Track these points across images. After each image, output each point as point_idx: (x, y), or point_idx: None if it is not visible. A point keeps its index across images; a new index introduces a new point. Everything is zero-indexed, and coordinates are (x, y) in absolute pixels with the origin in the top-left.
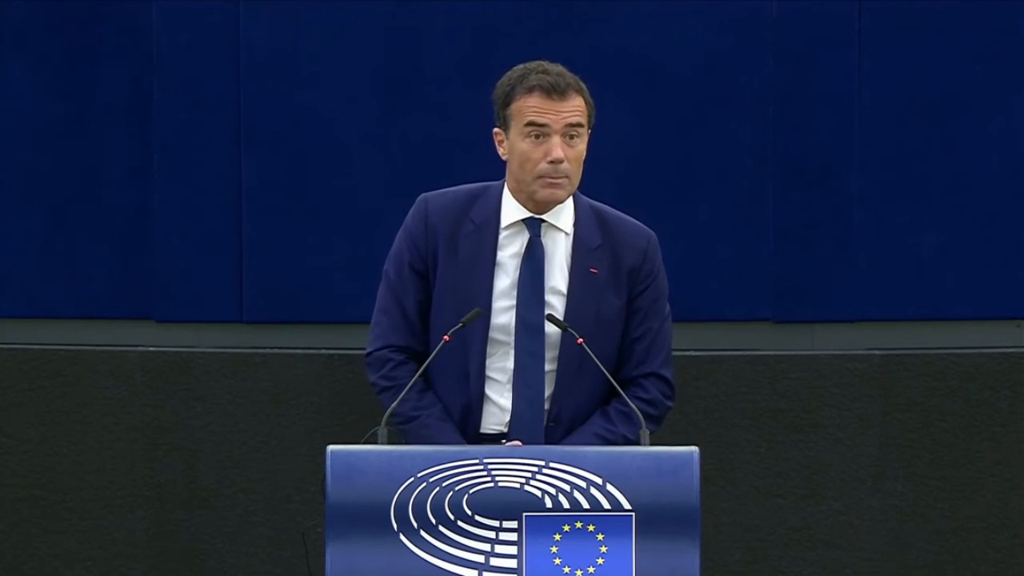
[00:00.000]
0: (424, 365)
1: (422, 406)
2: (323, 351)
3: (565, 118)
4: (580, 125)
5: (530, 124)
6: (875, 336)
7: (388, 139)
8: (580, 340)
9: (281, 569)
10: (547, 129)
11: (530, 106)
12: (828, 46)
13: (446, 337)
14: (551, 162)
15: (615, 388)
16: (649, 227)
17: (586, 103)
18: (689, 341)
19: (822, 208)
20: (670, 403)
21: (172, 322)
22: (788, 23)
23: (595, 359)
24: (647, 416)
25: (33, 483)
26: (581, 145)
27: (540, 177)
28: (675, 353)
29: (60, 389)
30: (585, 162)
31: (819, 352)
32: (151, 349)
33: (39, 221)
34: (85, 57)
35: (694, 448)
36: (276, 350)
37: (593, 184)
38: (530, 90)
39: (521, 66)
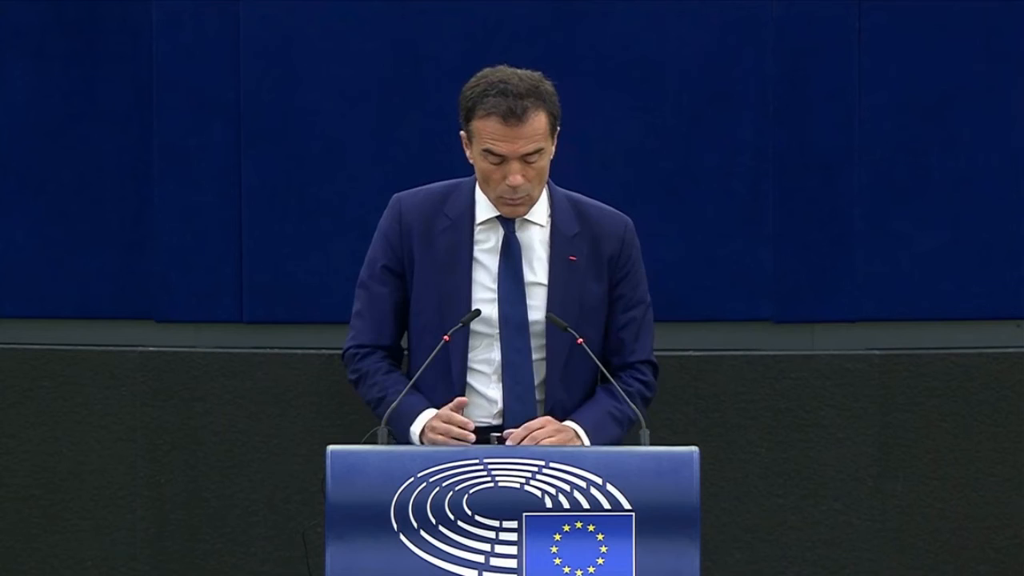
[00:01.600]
0: (424, 366)
1: (386, 385)
2: (323, 351)
3: (521, 147)
4: (539, 150)
5: (487, 151)
6: (874, 336)
7: (388, 139)
8: (580, 340)
9: (281, 569)
10: (504, 158)
11: (488, 132)
12: (828, 46)
13: (446, 337)
14: (509, 186)
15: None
16: (649, 226)
17: (548, 114)
18: (689, 341)
19: (822, 208)
20: (657, 386)
21: (172, 322)
22: (788, 23)
23: (595, 359)
24: (644, 399)
25: (33, 483)
26: (542, 161)
27: (500, 196)
28: (675, 353)
29: (60, 389)
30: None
31: (819, 352)
32: (151, 349)
33: (39, 221)
34: (85, 57)
35: (694, 448)
36: (276, 350)
37: (593, 184)
38: (487, 115)
39: (484, 76)
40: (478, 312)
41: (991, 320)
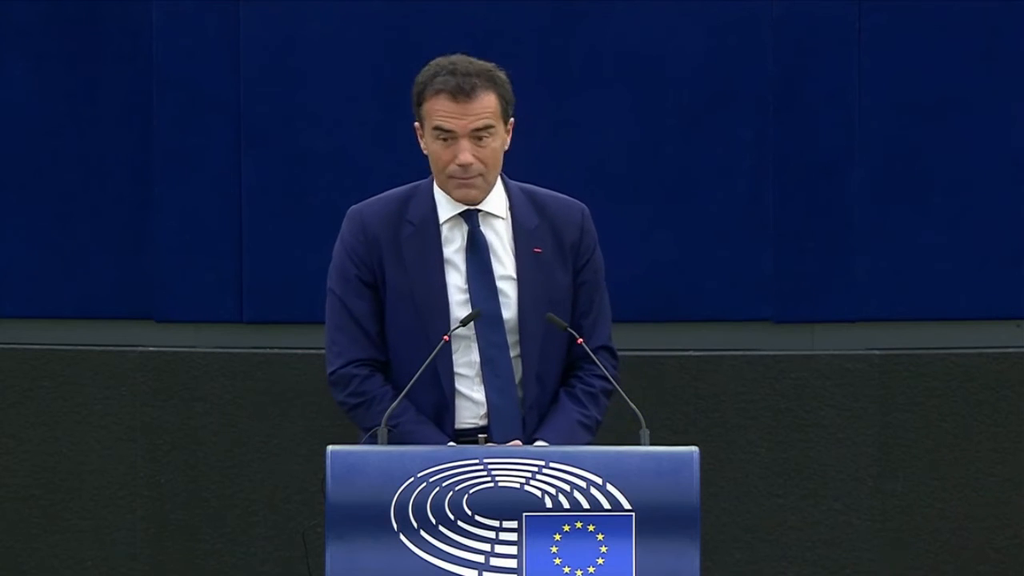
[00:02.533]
0: (424, 366)
1: (396, 413)
2: (323, 351)
3: (471, 122)
4: (489, 127)
5: (437, 128)
6: (874, 336)
7: (388, 139)
8: (580, 340)
9: (281, 569)
10: (454, 134)
11: (437, 110)
12: (828, 46)
13: (445, 337)
14: (460, 165)
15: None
16: (649, 227)
17: (500, 97)
18: (689, 341)
19: (822, 208)
20: (617, 373)
21: (172, 322)
22: (788, 23)
23: (593, 355)
24: (605, 392)
25: (33, 483)
26: (494, 143)
27: (451, 178)
28: (675, 353)
29: (60, 389)
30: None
31: (819, 352)
32: (151, 349)
33: (39, 221)
34: (85, 57)
35: (694, 448)
36: (276, 350)
37: (592, 184)
38: (437, 93)
39: (435, 62)
40: (479, 312)
41: (991, 320)
